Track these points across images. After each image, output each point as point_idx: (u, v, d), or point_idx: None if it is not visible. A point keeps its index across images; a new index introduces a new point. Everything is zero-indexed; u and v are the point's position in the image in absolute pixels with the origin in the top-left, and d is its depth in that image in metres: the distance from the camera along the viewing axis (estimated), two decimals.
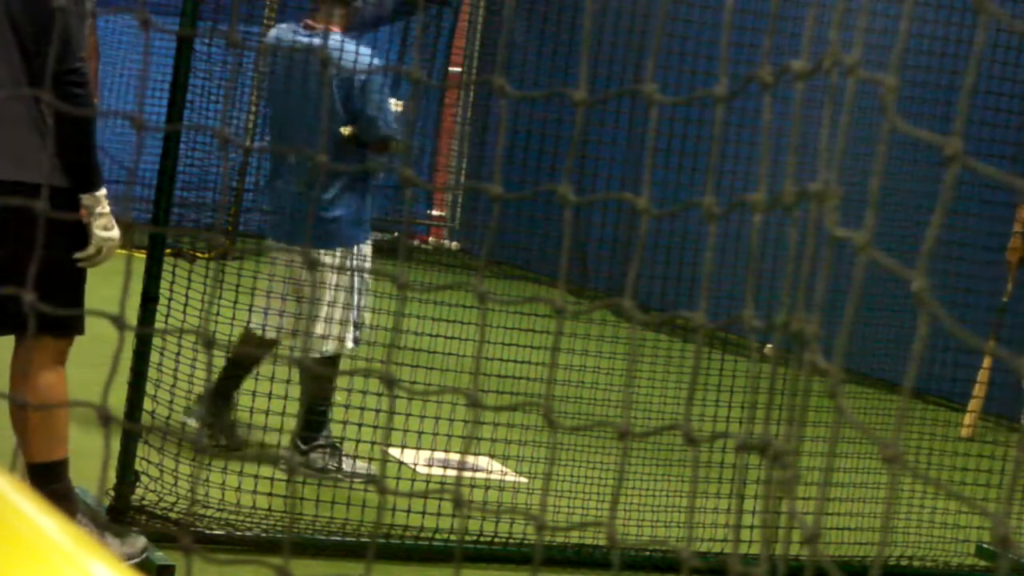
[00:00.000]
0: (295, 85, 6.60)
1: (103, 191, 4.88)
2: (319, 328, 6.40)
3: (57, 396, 4.93)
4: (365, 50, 6.51)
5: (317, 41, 6.50)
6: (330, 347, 6.43)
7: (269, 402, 5.96)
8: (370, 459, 6.27)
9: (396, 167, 6.82)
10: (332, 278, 6.42)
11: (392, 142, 6.54)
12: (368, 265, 6.57)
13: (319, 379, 6.38)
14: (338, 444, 6.38)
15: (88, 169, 4.83)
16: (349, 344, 6.48)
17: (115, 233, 4.89)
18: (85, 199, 4.82)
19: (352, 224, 6.49)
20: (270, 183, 6.73)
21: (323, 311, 6.42)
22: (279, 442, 6.15)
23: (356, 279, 6.49)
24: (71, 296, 4.91)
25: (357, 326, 6.49)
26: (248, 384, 6.29)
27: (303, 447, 6.43)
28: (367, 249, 6.59)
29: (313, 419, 6.42)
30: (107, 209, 4.85)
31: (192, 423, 6.28)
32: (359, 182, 6.55)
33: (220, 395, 6.57)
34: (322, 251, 6.42)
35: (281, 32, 6.78)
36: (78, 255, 4.85)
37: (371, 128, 6.46)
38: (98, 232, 4.84)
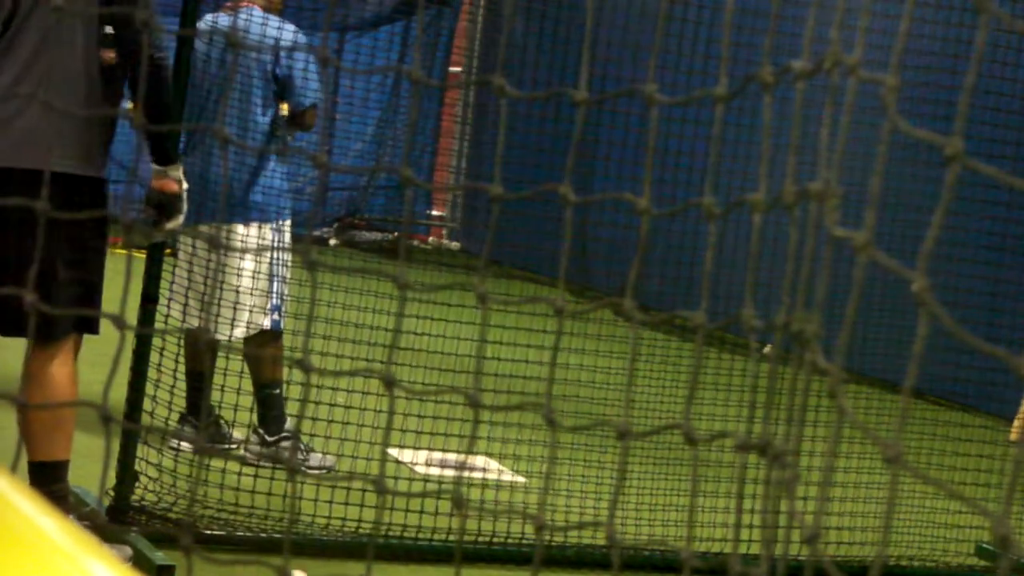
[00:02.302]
0: (215, 65, 6.64)
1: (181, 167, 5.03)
2: (229, 309, 6.38)
3: (69, 393, 4.93)
4: (289, 26, 6.60)
5: (237, 21, 6.59)
6: (238, 332, 6.42)
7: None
8: (368, 458, 6.28)
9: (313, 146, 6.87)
10: (247, 256, 6.41)
11: (312, 112, 6.59)
12: (287, 242, 6.59)
13: (259, 362, 6.40)
14: (298, 433, 6.40)
15: (162, 143, 4.96)
16: (266, 325, 6.46)
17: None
18: (171, 170, 4.93)
19: (269, 198, 6.51)
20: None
21: (235, 291, 6.40)
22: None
23: (274, 256, 6.50)
24: (91, 291, 4.91)
25: (276, 307, 6.49)
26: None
27: (269, 439, 6.46)
28: (287, 227, 6.61)
29: (268, 407, 6.44)
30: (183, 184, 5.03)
31: (185, 444, 6.24)
32: (274, 157, 6.58)
33: (198, 409, 6.56)
34: (238, 226, 6.43)
35: (208, 20, 6.86)
36: (167, 225, 4.97)
37: (296, 96, 6.51)
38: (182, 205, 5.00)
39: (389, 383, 1.93)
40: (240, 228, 6.46)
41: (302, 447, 6.42)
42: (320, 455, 6.39)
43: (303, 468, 6.27)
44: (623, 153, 7.66)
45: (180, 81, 5.65)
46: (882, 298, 6.77)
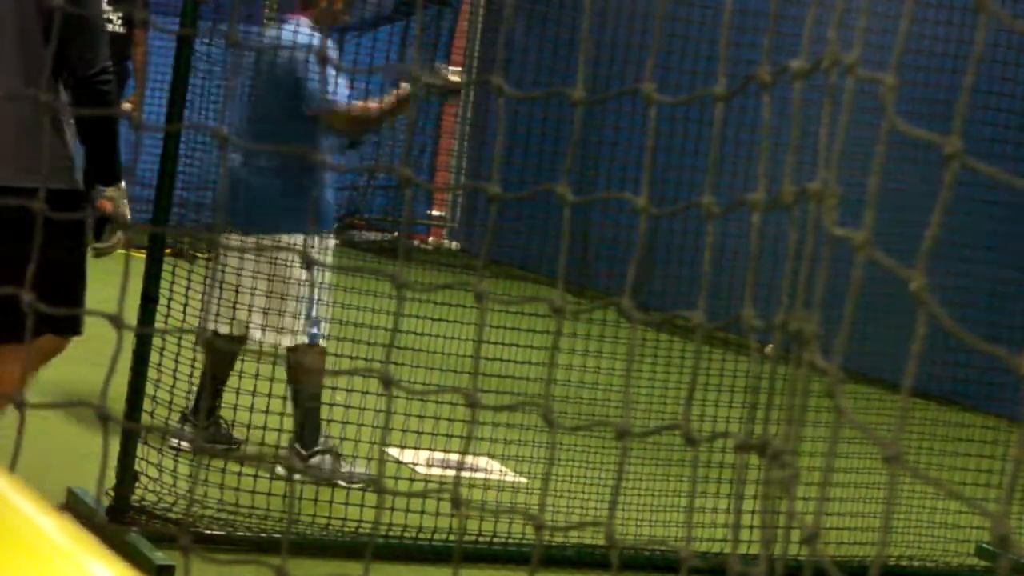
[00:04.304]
0: (261, 75, 6.63)
1: (124, 184, 4.99)
2: (275, 320, 6.36)
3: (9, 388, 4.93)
4: (331, 45, 6.58)
5: (276, 32, 6.58)
6: (285, 340, 6.38)
7: (268, 401, 5.96)
8: (369, 459, 6.27)
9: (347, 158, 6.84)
10: (290, 267, 6.36)
11: (344, 117, 6.48)
12: (328, 259, 6.55)
13: (300, 375, 6.35)
14: (337, 448, 6.35)
15: (114, 163, 4.95)
16: (302, 338, 6.42)
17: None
18: (109, 191, 4.93)
19: (303, 211, 6.47)
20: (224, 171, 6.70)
21: (279, 302, 6.37)
22: (278, 442, 6.14)
23: (314, 271, 6.46)
24: (74, 296, 4.91)
25: (315, 322, 6.44)
26: (247, 384, 6.27)
27: (304, 453, 6.39)
28: (329, 242, 6.58)
29: (309, 420, 6.39)
30: (127, 203, 4.98)
31: (185, 444, 6.23)
32: (309, 169, 6.52)
33: (203, 410, 6.55)
34: (283, 237, 6.39)
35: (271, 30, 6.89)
36: (97, 245, 4.97)
37: (309, 98, 6.45)
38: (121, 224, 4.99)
39: (388, 383, 1.93)
40: (288, 238, 6.39)
41: (341, 455, 6.37)
42: (360, 470, 6.32)
43: (348, 484, 6.18)
44: (626, 153, 7.66)
45: (180, 81, 5.65)
46: (883, 297, 6.76)
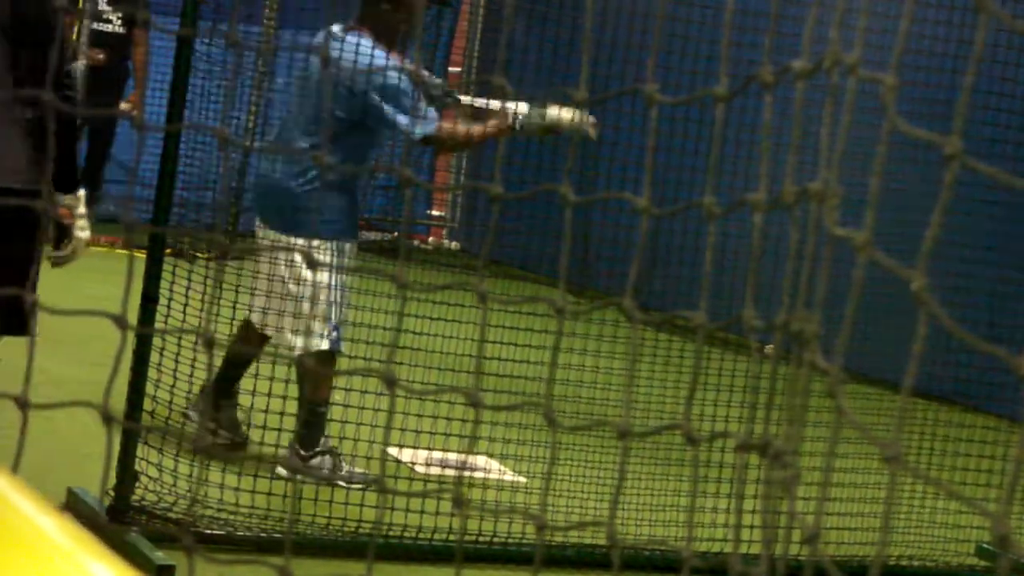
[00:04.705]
0: (310, 81, 6.59)
1: (82, 192, 4.92)
2: (291, 322, 6.36)
3: None
4: (394, 61, 6.44)
5: (337, 45, 6.43)
6: (299, 342, 6.36)
7: (268, 401, 5.96)
8: (368, 458, 6.27)
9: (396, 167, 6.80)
10: (307, 271, 6.32)
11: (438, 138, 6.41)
12: (350, 264, 6.52)
13: (312, 379, 6.33)
14: (337, 449, 6.35)
15: (74, 169, 4.88)
16: (324, 345, 6.41)
17: (88, 233, 4.93)
18: (67, 199, 4.84)
19: (331, 218, 6.45)
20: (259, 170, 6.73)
21: (297, 305, 6.36)
22: (278, 442, 6.14)
23: (335, 278, 6.43)
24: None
25: (336, 327, 6.41)
26: (247, 383, 6.27)
27: (304, 454, 6.37)
28: (350, 249, 6.53)
29: (312, 423, 6.38)
30: (84, 210, 4.89)
31: (194, 416, 6.23)
32: (353, 178, 6.50)
33: (222, 392, 6.53)
34: (302, 241, 6.33)
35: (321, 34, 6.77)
36: (55, 254, 4.86)
37: (394, 126, 6.38)
38: (78, 233, 4.87)
39: (390, 382, 1.93)
40: (303, 241, 6.34)
41: (340, 456, 6.36)
42: (360, 470, 6.31)
43: (348, 484, 6.15)
44: (626, 153, 7.66)
45: (180, 81, 5.65)
46: (884, 297, 6.76)
